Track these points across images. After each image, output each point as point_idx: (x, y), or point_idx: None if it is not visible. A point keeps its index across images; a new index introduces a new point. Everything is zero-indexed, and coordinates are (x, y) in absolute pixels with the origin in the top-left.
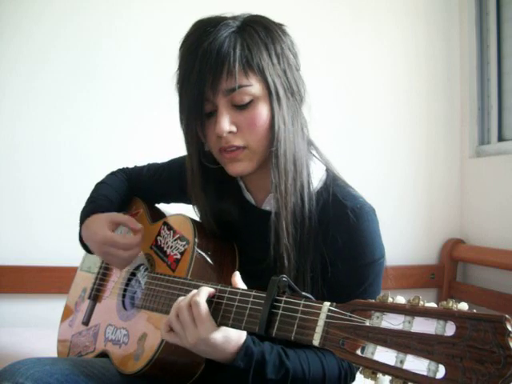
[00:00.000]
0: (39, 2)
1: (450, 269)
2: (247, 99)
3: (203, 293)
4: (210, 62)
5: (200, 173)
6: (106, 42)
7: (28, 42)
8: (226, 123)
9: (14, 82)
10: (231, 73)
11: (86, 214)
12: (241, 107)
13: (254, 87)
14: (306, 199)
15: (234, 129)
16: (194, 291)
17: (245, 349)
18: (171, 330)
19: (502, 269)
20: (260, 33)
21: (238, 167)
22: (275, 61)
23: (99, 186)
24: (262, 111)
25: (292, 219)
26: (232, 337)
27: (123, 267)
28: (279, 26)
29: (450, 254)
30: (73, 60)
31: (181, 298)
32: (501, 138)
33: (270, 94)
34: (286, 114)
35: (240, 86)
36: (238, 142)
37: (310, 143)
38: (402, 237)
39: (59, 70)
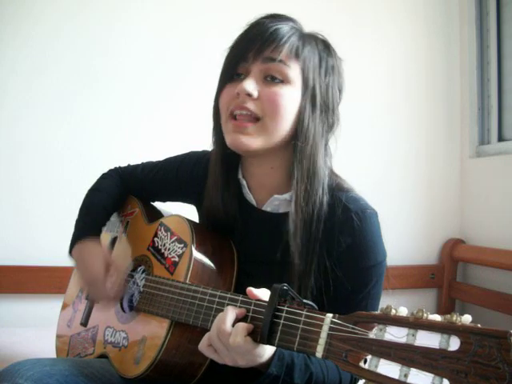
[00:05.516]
0: (40, 2)
1: (449, 269)
2: (280, 77)
3: (229, 319)
4: (265, 34)
5: (221, 157)
6: (108, 42)
7: (29, 42)
8: (250, 84)
9: (15, 82)
10: (278, 48)
11: (81, 229)
12: (270, 81)
13: (292, 71)
14: (318, 206)
15: (255, 93)
16: (221, 317)
17: (277, 354)
18: (211, 345)
19: (502, 269)
20: (319, 44)
21: (242, 139)
22: (323, 72)
23: (92, 193)
24: (289, 95)
25: (303, 221)
26: (267, 351)
27: (96, 302)
28: (338, 55)
29: (450, 254)
30: (73, 60)
31: (216, 323)
32: (501, 138)
33: (306, 89)
34: (317, 121)
35: (280, 61)
36: (253, 107)
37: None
38: (402, 237)
39: (60, 70)
